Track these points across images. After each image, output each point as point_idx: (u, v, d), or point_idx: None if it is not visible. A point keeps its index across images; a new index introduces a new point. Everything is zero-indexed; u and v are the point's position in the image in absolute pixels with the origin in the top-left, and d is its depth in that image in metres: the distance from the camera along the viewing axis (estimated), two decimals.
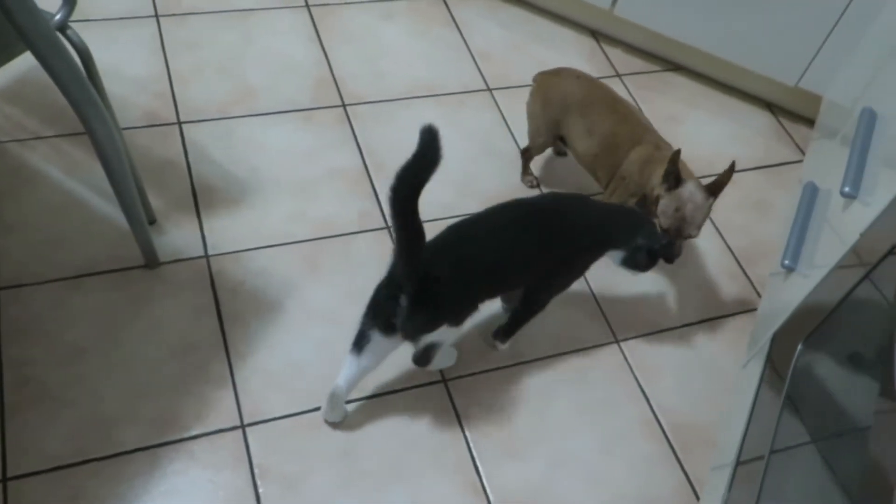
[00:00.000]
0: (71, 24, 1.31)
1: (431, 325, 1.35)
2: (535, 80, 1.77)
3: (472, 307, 1.41)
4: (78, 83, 1.20)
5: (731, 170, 1.50)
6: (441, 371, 1.55)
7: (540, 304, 1.56)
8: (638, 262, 1.50)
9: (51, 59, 1.15)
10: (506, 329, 1.58)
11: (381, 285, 1.35)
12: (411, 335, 1.36)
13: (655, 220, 1.53)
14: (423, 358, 1.48)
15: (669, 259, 1.51)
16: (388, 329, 1.33)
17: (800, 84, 2.04)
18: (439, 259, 1.32)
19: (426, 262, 1.28)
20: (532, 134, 1.80)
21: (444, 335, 1.39)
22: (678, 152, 1.49)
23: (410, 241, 1.23)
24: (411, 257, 1.25)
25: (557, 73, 1.76)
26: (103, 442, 1.37)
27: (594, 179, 1.74)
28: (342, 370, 1.39)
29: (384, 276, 1.35)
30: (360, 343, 1.37)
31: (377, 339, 1.35)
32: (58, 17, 1.24)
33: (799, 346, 1.25)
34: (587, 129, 1.67)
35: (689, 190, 1.50)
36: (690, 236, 1.52)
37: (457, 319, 1.39)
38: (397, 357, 1.55)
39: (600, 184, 1.72)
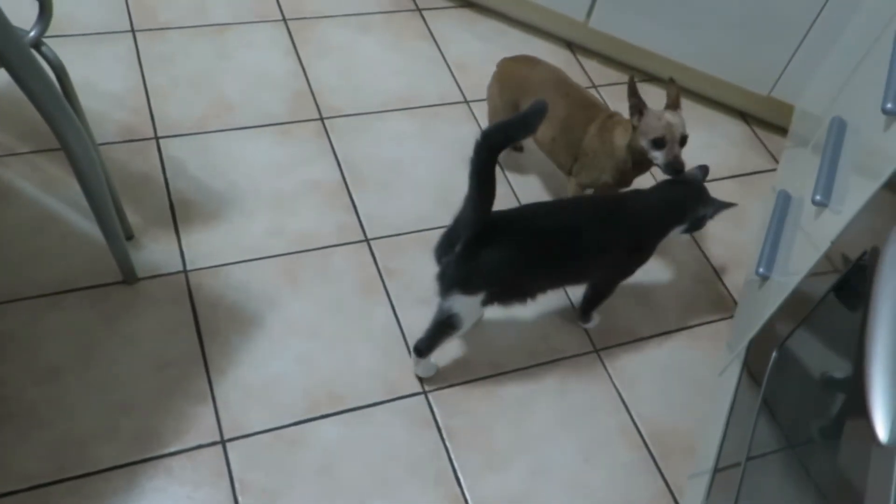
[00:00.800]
0: (45, 41, 1.31)
1: (467, 283, 1.38)
2: (497, 64, 1.84)
3: (512, 291, 1.46)
4: (53, 100, 1.20)
5: (674, 87, 1.56)
6: (421, 382, 1.56)
7: (609, 291, 1.64)
8: (699, 226, 1.59)
9: (25, 76, 1.15)
10: (584, 308, 1.67)
11: (443, 233, 1.42)
12: (446, 285, 1.39)
13: (645, 141, 1.54)
14: (427, 339, 1.48)
15: (678, 170, 1.54)
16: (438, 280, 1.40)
17: (772, 93, 2.07)
18: (504, 227, 1.37)
19: (491, 223, 1.33)
20: (490, 116, 1.88)
21: (468, 310, 1.41)
22: (632, 78, 1.55)
23: (482, 191, 1.29)
24: (478, 208, 1.31)
25: (516, 58, 1.84)
26: (81, 460, 1.35)
27: (556, 166, 1.78)
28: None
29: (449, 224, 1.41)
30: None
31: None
32: (32, 33, 1.24)
33: (774, 353, 1.26)
34: None
35: (657, 109, 1.56)
36: (685, 137, 1.54)
37: (491, 294, 1.42)
38: (376, 368, 1.55)
39: (562, 170, 1.76)
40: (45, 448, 1.36)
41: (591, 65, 2.28)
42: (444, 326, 1.44)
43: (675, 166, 1.53)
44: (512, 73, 1.79)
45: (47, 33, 1.30)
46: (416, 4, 2.32)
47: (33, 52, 1.18)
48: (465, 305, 1.40)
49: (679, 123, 1.54)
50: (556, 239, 1.42)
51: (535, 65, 1.79)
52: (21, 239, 1.60)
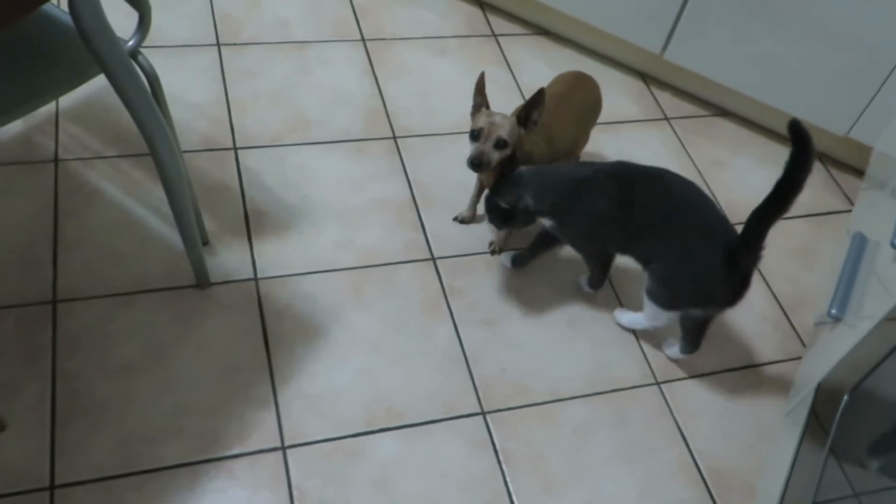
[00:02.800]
0: (141, 50, 1.37)
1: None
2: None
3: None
4: (147, 107, 1.25)
5: (539, 94, 1.56)
6: (480, 403, 1.56)
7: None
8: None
9: (123, 83, 1.20)
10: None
11: None
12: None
13: (481, 130, 1.56)
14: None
15: (475, 164, 1.55)
16: None
17: (850, 134, 2.03)
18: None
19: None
20: None
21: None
22: (482, 76, 1.59)
23: None
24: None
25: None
26: (147, 456, 1.39)
27: None
28: None
29: None
30: None
31: None
32: (130, 42, 1.29)
33: (845, 398, 1.24)
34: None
35: (495, 111, 1.59)
36: (502, 140, 1.55)
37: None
38: (436, 386, 1.57)
39: None
40: (113, 442, 1.40)
41: (664, 97, 2.27)
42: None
43: (474, 160, 1.55)
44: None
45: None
46: (491, 30, 2.35)
47: (131, 60, 1.23)
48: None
49: (502, 127, 1.55)
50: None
51: (563, 81, 1.81)
52: (102, 239, 1.66)
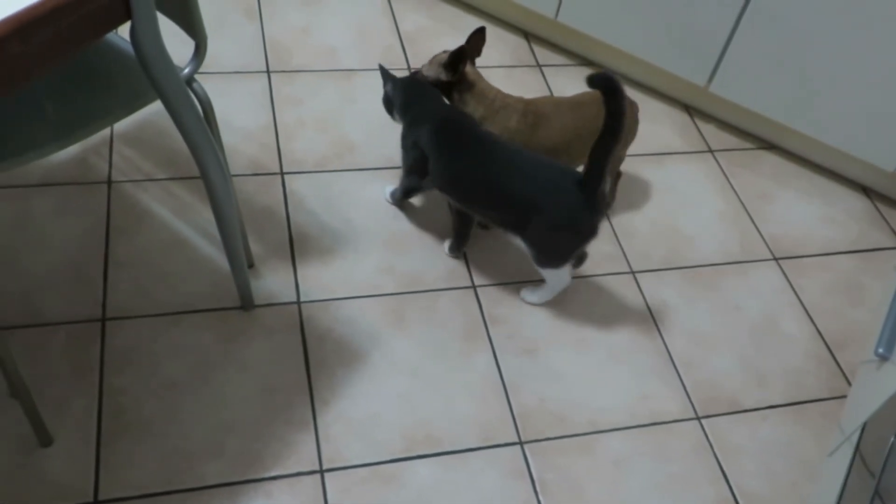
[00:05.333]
0: (195, 77, 1.41)
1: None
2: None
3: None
4: (201, 132, 1.29)
5: (460, 48, 1.69)
6: (518, 433, 1.56)
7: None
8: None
9: (179, 109, 1.24)
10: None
11: None
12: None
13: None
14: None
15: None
16: None
17: None
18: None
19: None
20: None
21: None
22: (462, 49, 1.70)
23: None
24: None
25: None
26: (188, 474, 1.41)
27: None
28: None
29: None
30: None
31: None
32: (186, 70, 1.33)
33: (892, 439, 1.21)
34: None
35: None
36: (417, 71, 1.78)
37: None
38: (474, 414, 1.57)
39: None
40: (156, 459, 1.43)
41: (709, 129, 2.27)
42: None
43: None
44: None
45: None
46: (536, 60, 2.37)
47: (187, 87, 1.27)
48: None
49: (425, 65, 1.76)
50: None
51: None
52: (151, 260, 1.70)
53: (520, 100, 1.77)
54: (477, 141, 1.65)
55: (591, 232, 1.61)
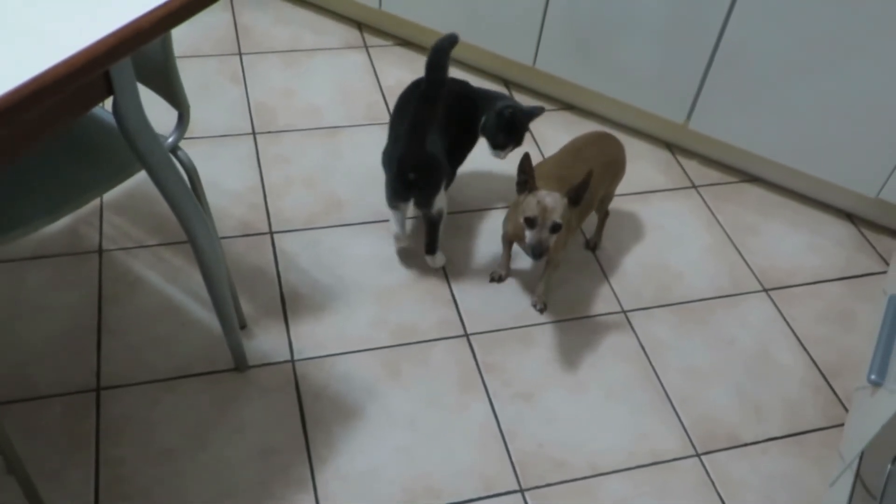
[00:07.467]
0: (180, 145, 1.43)
1: None
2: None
3: None
4: (187, 199, 1.31)
5: (589, 176, 1.60)
6: (518, 480, 1.55)
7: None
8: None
9: (164, 178, 1.26)
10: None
11: None
12: None
13: (521, 217, 1.62)
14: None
15: (537, 253, 1.59)
16: None
17: (881, 195, 2.03)
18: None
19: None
20: None
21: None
22: (526, 155, 1.63)
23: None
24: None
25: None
26: None
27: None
28: None
29: None
30: None
31: None
32: (170, 139, 1.36)
33: (888, 466, 1.21)
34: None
35: (544, 191, 1.61)
36: (555, 224, 1.59)
37: None
38: (473, 464, 1.56)
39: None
40: None
41: (691, 165, 2.30)
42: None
43: (535, 249, 1.59)
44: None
45: None
46: None
47: (171, 157, 1.29)
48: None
49: (555, 211, 1.58)
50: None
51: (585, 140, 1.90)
52: (144, 325, 1.71)
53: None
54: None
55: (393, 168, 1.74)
